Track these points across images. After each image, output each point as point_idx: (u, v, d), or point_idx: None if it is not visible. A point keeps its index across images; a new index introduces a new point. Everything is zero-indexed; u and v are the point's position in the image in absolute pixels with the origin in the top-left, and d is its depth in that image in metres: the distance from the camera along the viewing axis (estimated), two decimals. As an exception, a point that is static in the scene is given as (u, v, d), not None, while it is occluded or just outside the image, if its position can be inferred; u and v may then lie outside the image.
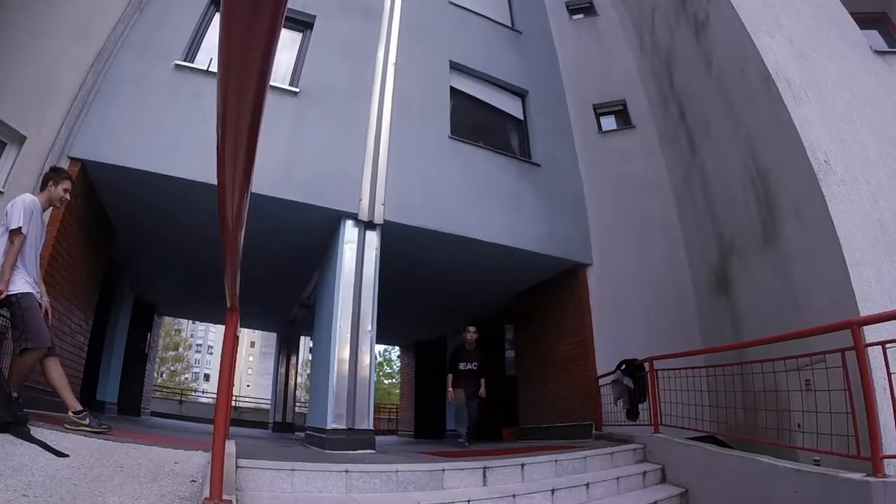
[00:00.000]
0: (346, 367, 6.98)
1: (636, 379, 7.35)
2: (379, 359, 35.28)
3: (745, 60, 7.01)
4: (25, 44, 5.78)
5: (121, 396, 10.97)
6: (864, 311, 5.02)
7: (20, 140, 5.94)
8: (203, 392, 39.92)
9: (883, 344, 3.99)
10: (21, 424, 4.05)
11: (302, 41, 8.60)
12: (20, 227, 4.43)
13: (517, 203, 8.95)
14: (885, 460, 3.88)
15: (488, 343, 13.02)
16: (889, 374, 3.90)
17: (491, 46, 10.52)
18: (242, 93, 0.93)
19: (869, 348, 4.06)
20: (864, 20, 7.55)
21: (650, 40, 10.14)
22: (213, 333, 71.98)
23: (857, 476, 3.75)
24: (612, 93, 10.90)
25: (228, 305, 3.36)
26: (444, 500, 4.38)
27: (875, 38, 7.55)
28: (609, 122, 10.80)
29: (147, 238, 8.94)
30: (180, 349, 50.55)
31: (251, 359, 73.25)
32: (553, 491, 4.86)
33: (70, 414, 4.67)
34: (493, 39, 10.71)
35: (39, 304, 4.67)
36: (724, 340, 7.40)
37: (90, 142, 6.44)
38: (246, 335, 70.84)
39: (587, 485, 5.26)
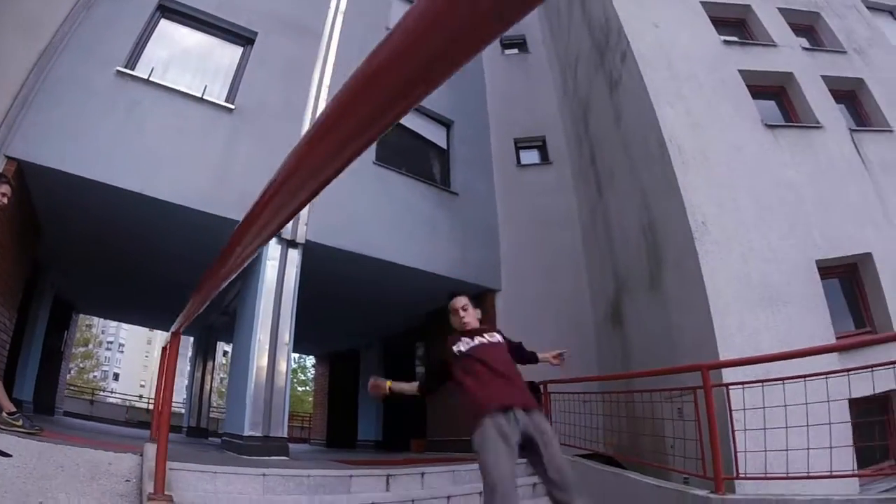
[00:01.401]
0: (264, 377, 7.54)
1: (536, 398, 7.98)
2: (294, 365, 35.36)
3: (647, 125, 8.00)
4: None
5: (36, 395, 11.07)
6: (724, 355, 6.16)
7: None
8: (112, 392, 38.92)
9: (726, 385, 5.13)
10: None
11: (241, 57, 9.01)
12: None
13: (434, 229, 9.67)
14: (737, 481, 4.97)
15: (399, 359, 13.72)
16: (730, 411, 5.04)
17: None
18: (332, 154, 0.88)
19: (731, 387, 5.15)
20: (763, 92, 8.76)
21: (572, 84, 11.17)
22: (125, 331, 69.85)
23: (703, 493, 4.65)
24: (533, 128, 11.80)
25: (174, 329, 3.86)
26: (350, 503, 4.98)
27: (772, 109, 8.79)
28: (528, 157, 11.71)
29: (74, 239, 9.18)
30: (90, 346, 49.00)
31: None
32: (449, 497, 5.61)
33: (4, 415, 5.03)
34: None
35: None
36: (616, 369, 8.44)
37: (28, 142, 6.67)
38: (159, 336, 69.27)
39: (480, 493, 5.91)
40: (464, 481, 6.34)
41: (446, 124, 11.17)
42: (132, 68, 7.78)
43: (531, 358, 4.02)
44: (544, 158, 11.53)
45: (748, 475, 4.91)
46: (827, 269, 7.28)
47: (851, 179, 7.93)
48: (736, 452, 4.98)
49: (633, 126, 8.47)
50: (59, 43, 7.21)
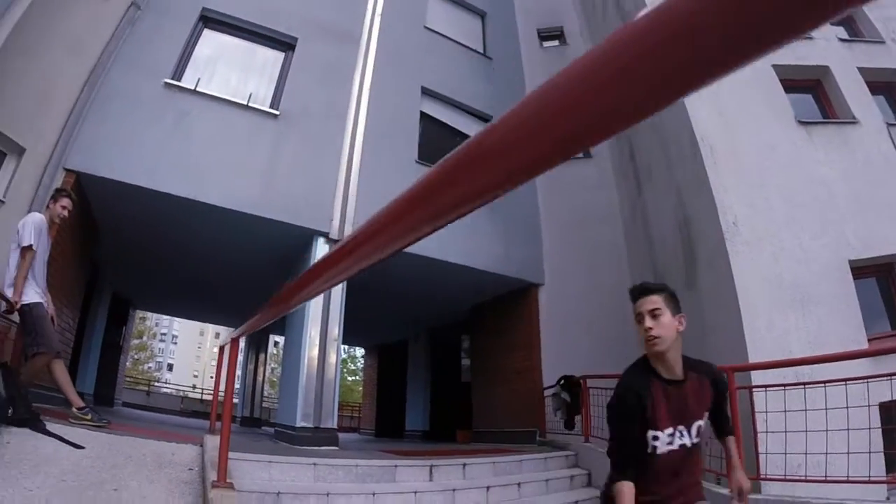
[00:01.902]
0: (315, 370, 7.98)
1: (573, 394, 8.52)
2: (343, 355, 36.08)
3: (679, 124, 8.05)
4: (22, 58, 6.27)
5: (97, 387, 11.70)
6: (753, 356, 6.30)
7: (19, 151, 6.53)
8: (166, 382, 40.20)
9: (750, 388, 5.39)
10: (37, 420, 4.82)
11: (283, 63, 9.34)
12: (31, 245, 5.15)
13: (476, 227, 9.88)
14: (763, 481, 5.14)
15: (446, 351, 14.05)
16: (753, 414, 5.30)
17: (462, 72, 11.42)
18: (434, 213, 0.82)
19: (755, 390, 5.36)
20: (798, 87, 8.66)
21: None
22: (179, 324, 72.12)
23: (724, 491, 4.76)
24: None
25: (235, 336, 4.18)
26: (395, 491, 5.39)
27: (806, 104, 8.64)
28: None
29: (129, 241, 9.72)
30: (145, 338, 50.68)
31: (215, 350, 73.49)
32: (488, 488, 5.92)
33: (74, 410, 5.47)
34: (464, 65, 11.62)
35: (47, 312, 5.38)
36: None
37: (84, 154, 7.16)
38: (210, 328, 71.22)
39: (519, 484, 6.33)
40: (503, 472, 6.65)
41: (486, 119, 11.32)
42: (179, 79, 8.22)
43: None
44: (585, 153, 11.46)
45: (769, 476, 5.15)
46: (860, 269, 7.25)
47: (888, 176, 7.82)
48: (757, 454, 5.22)
49: (667, 124, 8.50)
50: (107, 59, 7.66)
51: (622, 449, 2.55)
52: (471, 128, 11.17)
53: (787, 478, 4.99)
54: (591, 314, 9.95)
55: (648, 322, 2.60)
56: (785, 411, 4.88)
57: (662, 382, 2.57)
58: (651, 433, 2.49)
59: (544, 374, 9.64)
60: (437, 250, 9.23)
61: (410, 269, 9.79)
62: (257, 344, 17.31)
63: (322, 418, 7.81)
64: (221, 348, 6.45)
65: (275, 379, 26.27)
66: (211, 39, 9.03)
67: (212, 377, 9.87)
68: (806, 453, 4.75)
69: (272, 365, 19.59)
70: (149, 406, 20.90)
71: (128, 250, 10.28)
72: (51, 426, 4.91)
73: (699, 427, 2.59)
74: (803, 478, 4.76)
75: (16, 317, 5.40)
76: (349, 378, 39.77)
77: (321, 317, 8.21)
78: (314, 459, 5.58)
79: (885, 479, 4.71)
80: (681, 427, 2.54)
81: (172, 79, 8.12)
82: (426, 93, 10.60)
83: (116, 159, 7.34)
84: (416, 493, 5.53)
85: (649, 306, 2.63)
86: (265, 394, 19.11)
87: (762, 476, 5.11)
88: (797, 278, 6.90)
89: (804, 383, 4.83)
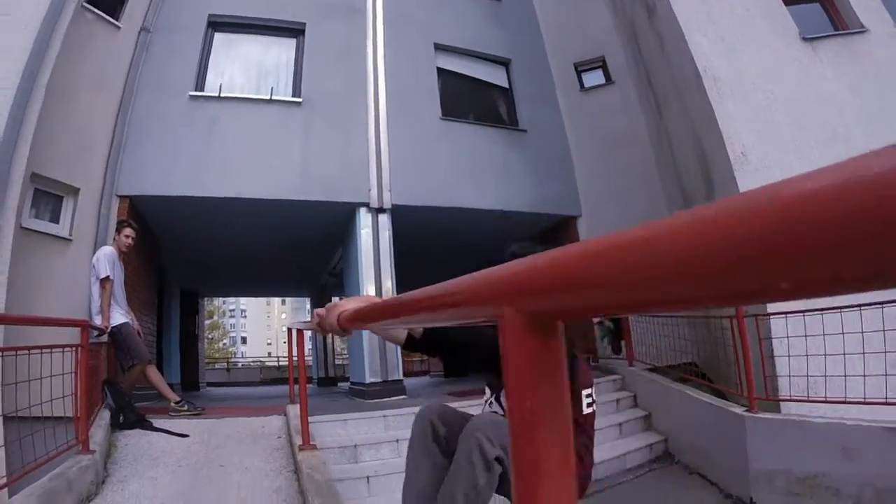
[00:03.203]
0: (377, 337, 8.58)
1: (615, 321, 9.18)
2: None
3: (682, 55, 8.04)
4: (61, 101, 6.81)
5: (182, 376, 12.87)
6: None
7: (74, 192, 7.24)
8: (243, 355, 42.06)
9: (756, 317, 5.96)
10: (144, 421, 5.79)
11: (297, 49, 9.80)
12: (108, 276, 6.06)
13: (507, 170, 10.29)
14: (782, 402, 5.77)
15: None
16: (760, 340, 5.86)
17: (472, 21, 11.46)
18: None
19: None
20: None
21: (621, 4, 10.97)
22: (245, 298, 74.75)
23: (739, 410, 5.65)
24: (591, 50, 11.73)
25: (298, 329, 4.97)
26: None
27: (811, 15, 8.38)
28: (591, 79, 11.69)
29: (186, 242, 10.73)
30: (216, 317, 52.93)
31: (283, 316, 76.08)
32: None
33: (172, 404, 6.43)
34: (473, 13, 11.62)
35: (134, 328, 6.32)
36: None
37: (131, 179, 8.00)
38: (276, 299, 73.79)
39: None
40: None
41: (504, 63, 11.54)
42: (202, 89, 8.90)
43: None
44: (607, 79, 11.60)
45: (776, 397, 5.82)
46: None
47: None
48: (765, 377, 5.86)
49: (673, 55, 8.49)
50: (131, 86, 8.33)
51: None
52: (490, 74, 11.39)
53: (792, 398, 5.59)
54: None
55: None
56: (797, 336, 5.33)
57: None
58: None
59: None
60: (473, 199, 9.76)
61: (451, 222, 10.40)
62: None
63: (388, 371, 8.68)
64: (289, 331, 7.34)
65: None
66: (223, 43, 9.58)
67: (284, 342, 10.66)
68: (825, 376, 5.08)
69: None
70: (231, 382, 22.45)
71: (187, 250, 11.27)
72: (157, 423, 5.90)
73: None
74: (823, 398, 5.07)
75: (105, 337, 6.26)
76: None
77: (374, 277, 8.99)
78: (384, 412, 6.46)
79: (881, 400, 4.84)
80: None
81: (196, 90, 8.80)
82: (440, 48, 10.81)
83: (160, 176, 8.17)
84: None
85: None
86: (337, 352, 20.28)
87: (770, 397, 5.77)
88: None
89: (821, 310, 5.09)
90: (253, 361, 33.97)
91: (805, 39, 7.90)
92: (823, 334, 5.00)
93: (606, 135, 10.93)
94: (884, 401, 4.56)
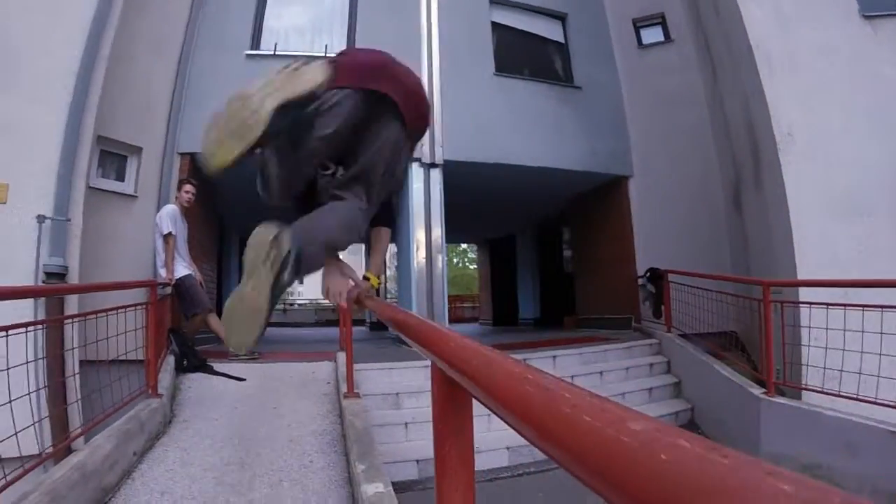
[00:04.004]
0: (424, 273, 9.29)
1: (658, 286, 9.26)
2: (464, 246, 37.66)
3: (736, 26, 7.80)
4: (122, 66, 7.10)
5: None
6: (800, 266, 6.74)
7: (137, 151, 7.75)
8: (300, 294, 43.25)
9: (781, 303, 6.03)
10: (206, 365, 6.33)
11: (350, 5, 9.90)
12: (170, 232, 6.56)
13: (560, 127, 10.29)
14: (803, 391, 5.83)
15: (550, 241, 15.34)
16: (783, 326, 5.92)
17: None
18: None
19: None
20: None
21: None
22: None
23: (758, 391, 5.91)
24: (650, 6, 11.36)
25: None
26: None
27: None
28: (649, 36, 11.34)
29: (243, 192, 10.94)
30: (272, 260, 54.32)
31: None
32: (573, 377, 7.11)
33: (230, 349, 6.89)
34: None
35: (196, 280, 6.82)
36: (738, 256, 9.00)
37: (191, 137, 8.39)
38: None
39: (601, 373, 7.59)
40: (589, 362, 7.86)
41: (560, 17, 11.33)
42: (258, 48, 9.21)
43: None
44: (666, 36, 11.19)
45: (794, 384, 5.93)
46: None
47: None
48: (785, 363, 5.98)
49: (728, 23, 8.23)
50: (188, 47, 8.72)
51: None
52: (546, 28, 11.24)
53: (807, 386, 5.72)
54: (681, 203, 10.16)
55: None
56: (833, 329, 5.25)
57: None
58: None
59: (638, 264, 10.22)
60: (525, 156, 9.85)
61: (502, 177, 10.57)
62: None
63: (435, 318, 9.00)
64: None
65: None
66: (277, 1, 9.77)
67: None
68: (852, 371, 5.04)
69: (391, 271, 21.21)
70: (287, 322, 23.26)
71: (245, 200, 11.62)
72: (217, 367, 6.46)
73: None
74: (854, 395, 5.01)
75: (169, 289, 6.78)
76: (471, 266, 41.02)
77: (424, 221, 9.34)
78: (426, 361, 6.85)
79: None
80: None
81: (252, 49, 9.12)
82: (495, 2, 10.69)
83: (220, 132, 8.50)
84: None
85: None
86: (388, 298, 20.83)
87: (787, 383, 5.92)
88: (850, 187, 6.96)
89: (844, 305, 5.10)
90: (309, 302, 34.95)
91: (865, 17, 7.56)
92: (862, 331, 4.91)
93: (662, 94, 10.66)
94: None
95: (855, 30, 7.52)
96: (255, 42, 9.26)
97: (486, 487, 5.69)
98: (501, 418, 0.73)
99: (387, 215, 2.75)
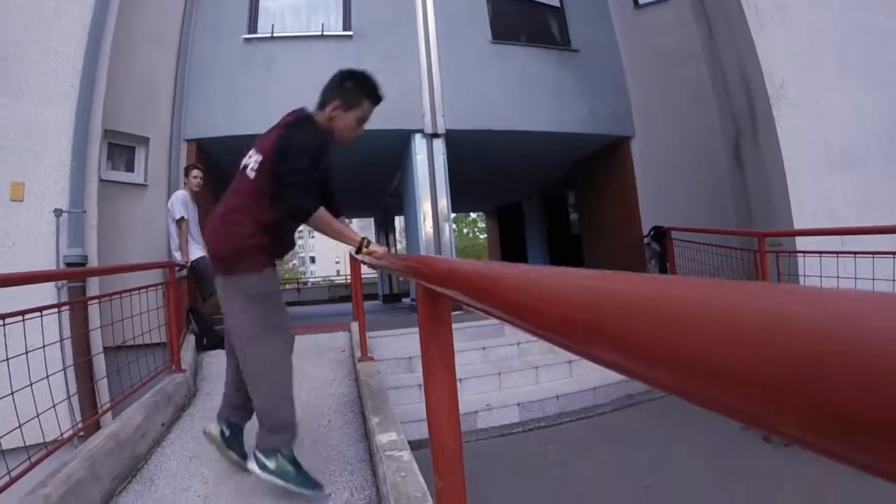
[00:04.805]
0: (432, 242, 9.49)
1: (662, 244, 9.41)
2: (473, 216, 37.82)
3: None
4: (123, 60, 7.25)
5: (259, 299, 13.79)
6: (797, 217, 6.83)
7: (145, 141, 7.91)
8: (312, 274, 43.58)
9: (777, 253, 6.27)
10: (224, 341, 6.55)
11: None
12: (182, 217, 6.77)
13: (559, 90, 10.36)
14: None
15: (557, 206, 15.24)
16: (779, 276, 6.18)
17: None
18: None
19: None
20: None
21: None
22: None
23: None
24: None
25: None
26: (500, 343, 6.90)
27: None
28: None
29: None
30: (283, 241, 54.63)
31: (351, 235, 77.42)
32: None
33: (247, 326, 7.15)
34: None
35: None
36: (741, 211, 9.00)
37: (195, 124, 8.69)
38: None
39: None
40: None
41: None
42: (255, 31, 9.31)
43: None
44: None
45: None
46: None
47: None
48: None
49: None
50: (186, 36, 8.83)
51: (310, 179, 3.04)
52: None
53: None
54: (684, 161, 10.18)
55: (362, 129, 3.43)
56: (828, 277, 5.45)
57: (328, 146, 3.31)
58: None
59: (643, 224, 10.36)
60: (525, 122, 9.96)
61: (504, 144, 10.69)
62: (385, 227, 19.25)
63: (445, 287, 9.23)
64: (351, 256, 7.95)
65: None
66: None
67: (352, 261, 11.26)
68: None
69: (401, 243, 21.54)
70: (301, 301, 23.62)
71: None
72: (235, 343, 6.67)
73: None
74: None
75: (185, 271, 7.02)
76: (482, 236, 41.22)
77: (430, 194, 9.53)
78: (438, 323, 7.11)
79: None
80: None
81: (249, 33, 9.23)
82: None
83: (222, 119, 8.79)
84: (518, 343, 7.06)
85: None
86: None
87: None
88: (844, 139, 7.00)
89: (837, 252, 5.32)
90: (322, 280, 35.37)
91: None
92: (855, 277, 5.09)
93: (661, 53, 10.63)
94: None
95: None
96: (252, 26, 9.36)
97: (499, 443, 5.94)
98: (471, 305, 0.92)
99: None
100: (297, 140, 3.00)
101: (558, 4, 11.23)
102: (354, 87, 3.23)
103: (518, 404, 6.44)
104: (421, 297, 1.54)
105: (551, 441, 5.88)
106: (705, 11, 9.39)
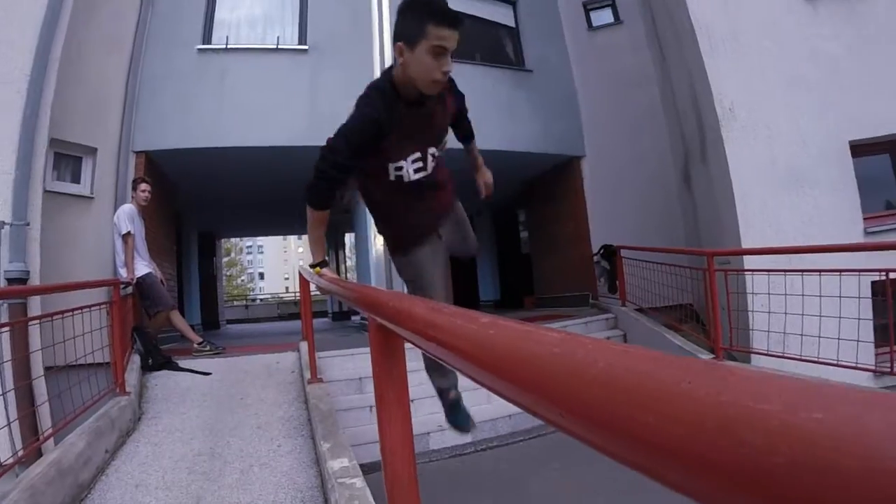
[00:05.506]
0: (383, 259, 9.35)
1: (612, 262, 9.62)
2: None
3: (678, 5, 8.06)
4: (74, 66, 7.02)
5: (203, 316, 13.57)
6: (745, 235, 7.17)
7: (92, 151, 7.67)
8: (261, 290, 43.01)
9: (725, 271, 6.44)
10: (170, 362, 6.40)
11: None
12: (129, 231, 6.60)
13: (513, 110, 10.50)
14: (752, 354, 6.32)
15: (507, 222, 15.25)
16: (728, 293, 6.34)
17: None
18: None
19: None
20: None
21: None
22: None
23: (707, 357, 6.27)
24: None
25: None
26: None
27: None
28: (599, 18, 11.56)
29: (202, 188, 11.34)
30: (232, 254, 53.66)
31: (300, 250, 76.82)
32: None
33: (195, 345, 7.06)
34: None
35: (157, 278, 6.86)
36: (690, 230, 9.32)
37: (146, 135, 8.44)
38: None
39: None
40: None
41: (511, 2, 11.51)
42: (209, 42, 9.13)
43: None
44: (616, 18, 11.46)
45: (740, 348, 6.44)
46: (865, 148, 7.57)
47: None
48: (731, 329, 6.40)
49: (672, 4, 8.46)
50: (140, 44, 8.60)
51: (339, 174, 2.79)
52: (496, 13, 11.35)
53: (754, 350, 6.20)
54: (634, 180, 10.45)
55: (448, 62, 2.44)
56: (776, 294, 5.73)
57: (407, 107, 2.58)
58: (392, 164, 2.65)
59: (593, 243, 10.50)
60: (478, 139, 9.65)
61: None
62: (336, 244, 19.08)
63: (394, 303, 9.16)
64: (300, 274, 7.82)
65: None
66: None
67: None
68: (795, 333, 5.49)
69: (351, 261, 21.44)
70: (249, 318, 23.26)
71: (202, 196, 11.86)
72: (182, 363, 6.56)
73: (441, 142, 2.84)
74: (798, 356, 5.43)
75: (130, 288, 6.83)
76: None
77: (381, 217, 9.40)
78: (387, 344, 7.03)
79: (871, 367, 5.30)
80: (423, 149, 2.71)
81: (203, 44, 9.04)
82: None
83: (173, 131, 8.60)
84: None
85: (454, 43, 2.43)
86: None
87: (748, 349, 6.34)
88: (793, 160, 7.35)
89: (785, 271, 5.57)
90: (271, 297, 34.92)
91: None
92: (802, 294, 5.35)
93: (614, 75, 10.95)
94: (853, 365, 4.95)
95: (797, 8, 7.81)
96: (207, 36, 9.20)
97: (452, 464, 5.92)
98: (419, 346, 0.96)
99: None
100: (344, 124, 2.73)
101: (513, 24, 11.43)
102: (409, 15, 2.41)
103: (471, 425, 6.38)
104: (373, 333, 1.51)
105: (505, 460, 5.88)
106: (658, 35, 9.70)
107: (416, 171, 2.67)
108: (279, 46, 9.33)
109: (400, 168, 2.63)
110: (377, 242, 9.35)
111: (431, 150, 2.74)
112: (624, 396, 0.39)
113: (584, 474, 5.31)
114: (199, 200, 12.13)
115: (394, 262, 3.19)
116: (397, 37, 2.44)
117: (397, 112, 2.53)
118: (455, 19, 2.39)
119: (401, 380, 1.57)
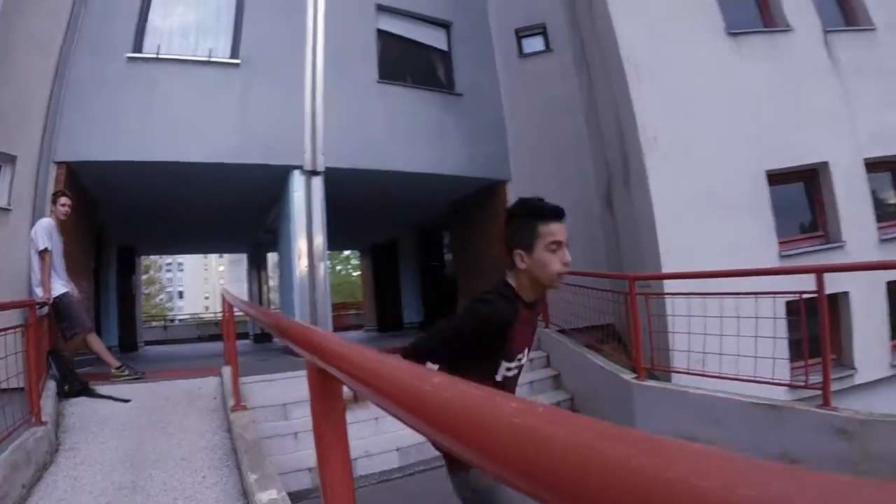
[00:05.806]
0: (306, 280, 9.36)
1: None
2: (347, 252, 37.53)
3: (608, 37, 8.50)
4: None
5: (120, 337, 13.10)
6: (665, 259, 7.60)
7: (11, 160, 7.33)
8: (180, 310, 41.86)
9: (646, 295, 6.77)
10: (88, 388, 6.18)
11: (237, 9, 9.67)
12: (47, 248, 6.35)
13: (442, 133, 10.70)
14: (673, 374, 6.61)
15: (431, 245, 15.34)
16: (649, 316, 6.66)
17: None
18: None
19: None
20: None
21: None
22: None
23: (629, 377, 6.60)
24: (534, 16, 11.84)
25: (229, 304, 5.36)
26: None
27: (743, 10, 8.82)
28: (530, 45, 11.84)
29: (125, 203, 10.98)
30: (152, 272, 51.95)
31: (221, 269, 75.14)
32: None
33: (113, 370, 6.87)
34: None
35: (74, 297, 6.60)
36: (612, 254, 9.68)
37: (68, 145, 8.04)
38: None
39: None
40: None
41: (445, 26, 11.65)
42: (140, 50, 8.82)
43: None
44: (546, 46, 11.73)
45: (662, 367, 6.71)
46: (780, 177, 8.11)
47: (817, 85, 8.32)
48: (652, 349, 6.70)
49: (602, 34, 8.88)
50: (69, 47, 8.21)
51: (443, 352, 2.58)
52: (430, 36, 11.52)
53: (673, 369, 6.48)
54: (558, 205, 10.48)
55: (566, 253, 2.45)
56: (696, 316, 6.03)
57: (525, 308, 2.54)
58: (504, 364, 2.51)
59: None
60: (407, 163, 10.13)
61: (384, 184, 10.79)
62: (258, 264, 18.71)
63: (318, 325, 9.00)
64: (223, 297, 7.61)
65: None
66: (163, 1, 9.40)
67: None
68: (713, 353, 5.83)
69: (273, 281, 21.15)
70: (168, 340, 22.54)
71: (125, 211, 11.55)
72: (100, 389, 6.35)
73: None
74: (717, 374, 5.77)
75: (46, 309, 6.55)
76: (354, 273, 40.91)
77: (306, 229, 9.43)
78: (311, 370, 6.93)
79: (787, 381, 5.67)
80: (524, 351, 2.62)
81: (134, 51, 8.73)
82: (381, 9, 10.82)
83: (98, 141, 8.25)
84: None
85: (564, 234, 2.47)
86: (272, 308, 20.50)
87: (670, 368, 6.63)
88: (712, 189, 7.79)
89: (703, 294, 5.93)
90: (191, 317, 33.97)
91: (731, 34, 8.43)
92: (721, 316, 5.69)
93: (542, 101, 11.22)
94: (770, 381, 5.34)
95: (721, 45, 8.36)
96: (138, 44, 8.88)
97: (380, 489, 5.87)
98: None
99: None
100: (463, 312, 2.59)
101: (446, 48, 11.64)
102: (517, 222, 2.54)
103: (397, 449, 6.45)
104: (312, 376, 1.50)
105: (432, 485, 5.86)
106: (587, 63, 10.14)
107: (509, 369, 2.55)
108: (211, 59, 9.17)
109: (510, 369, 2.53)
110: (301, 263, 9.34)
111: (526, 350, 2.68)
112: (576, 468, 0.43)
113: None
114: (121, 215, 11.72)
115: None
116: (513, 245, 2.52)
117: (520, 313, 2.50)
118: (559, 212, 2.49)
119: (339, 424, 1.56)
